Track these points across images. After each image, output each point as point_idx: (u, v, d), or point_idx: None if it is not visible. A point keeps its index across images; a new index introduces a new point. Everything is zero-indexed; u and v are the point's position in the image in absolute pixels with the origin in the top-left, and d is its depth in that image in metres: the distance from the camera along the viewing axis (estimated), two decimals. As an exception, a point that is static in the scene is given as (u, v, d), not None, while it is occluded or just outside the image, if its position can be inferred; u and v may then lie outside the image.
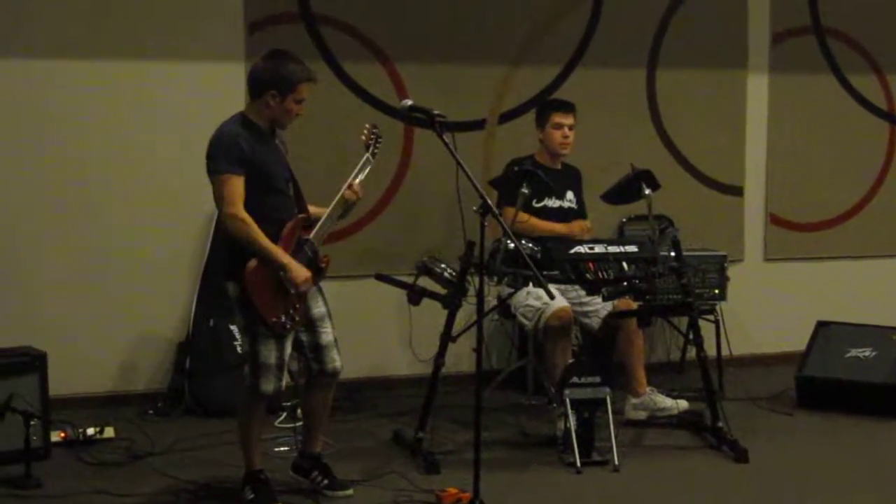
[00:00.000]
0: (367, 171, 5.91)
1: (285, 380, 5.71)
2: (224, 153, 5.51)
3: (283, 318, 5.57)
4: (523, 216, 6.97)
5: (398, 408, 7.57)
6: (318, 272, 5.75)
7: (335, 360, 5.88)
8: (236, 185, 5.49)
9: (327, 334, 5.85)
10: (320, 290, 5.87)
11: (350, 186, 5.80)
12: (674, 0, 8.59)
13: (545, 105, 7.69)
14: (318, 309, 5.83)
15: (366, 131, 5.98)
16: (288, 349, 5.69)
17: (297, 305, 5.63)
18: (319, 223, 5.75)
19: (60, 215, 7.40)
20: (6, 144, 7.27)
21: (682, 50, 8.62)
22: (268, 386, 5.64)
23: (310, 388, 5.95)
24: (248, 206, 5.50)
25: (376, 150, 5.98)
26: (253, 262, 5.49)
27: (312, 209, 5.81)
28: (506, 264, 6.38)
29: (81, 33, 7.35)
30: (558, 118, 7.46)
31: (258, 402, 5.76)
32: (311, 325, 5.80)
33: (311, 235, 5.72)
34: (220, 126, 5.63)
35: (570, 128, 7.45)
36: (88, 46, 7.36)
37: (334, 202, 5.78)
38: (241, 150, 5.50)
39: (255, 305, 5.52)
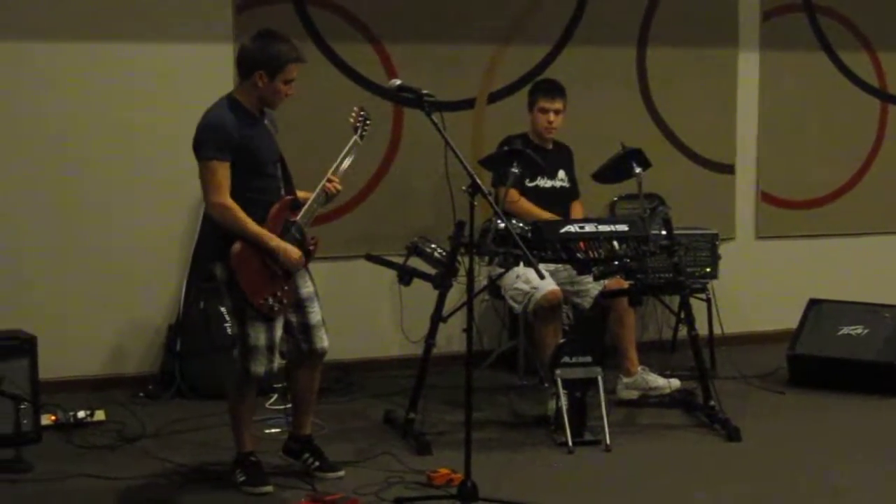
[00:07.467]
0: (354, 153, 5.90)
1: (276, 361, 5.70)
2: (211, 139, 5.48)
3: (271, 301, 5.55)
4: (514, 195, 6.93)
5: (389, 389, 7.55)
6: (307, 254, 5.73)
7: (323, 339, 5.87)
8: (222, 172, 5.47)
9: (315, 314, 5.84)
10: (308, 271, 5.85)
11: (330, 180, 5.79)
12: (664, -23, 8.57)
13: (533, 87, 7.64)
14: (306, 289, 5.81)
15: (354, 114, 5.98)
16: (278, 331, 5.67)
17: (285, 287, 5.62)
18: (306, 206, 5.73)
19: (50, 199, 7.37)
20: (-8, 130, 7.26)
21: (672, 28, 8.58)
22: (258, 368, 5.63)
23: (297, 370, 5.92)
24: (235, 190, 5.49)
25: (364, 133, 5.98)
26: (238, 245, 5.47)
27: (299, 194, 5.78)
28: (496, 244, 6.37)
29: (68, 14, 7.30)
30: (543, 103, 7.43)
31: (249, 385, 5.75)
32: (299, 305, 5.78)
33: (298, 217, 5.70)
34: (208, 110, 5.60)
35: (556, 112, 7.42)
36: (75, 28, 7.31)
37: (318, 189, 5.76)
38: (228, 136, 5.47)
39: (242, 288, 5.50)
